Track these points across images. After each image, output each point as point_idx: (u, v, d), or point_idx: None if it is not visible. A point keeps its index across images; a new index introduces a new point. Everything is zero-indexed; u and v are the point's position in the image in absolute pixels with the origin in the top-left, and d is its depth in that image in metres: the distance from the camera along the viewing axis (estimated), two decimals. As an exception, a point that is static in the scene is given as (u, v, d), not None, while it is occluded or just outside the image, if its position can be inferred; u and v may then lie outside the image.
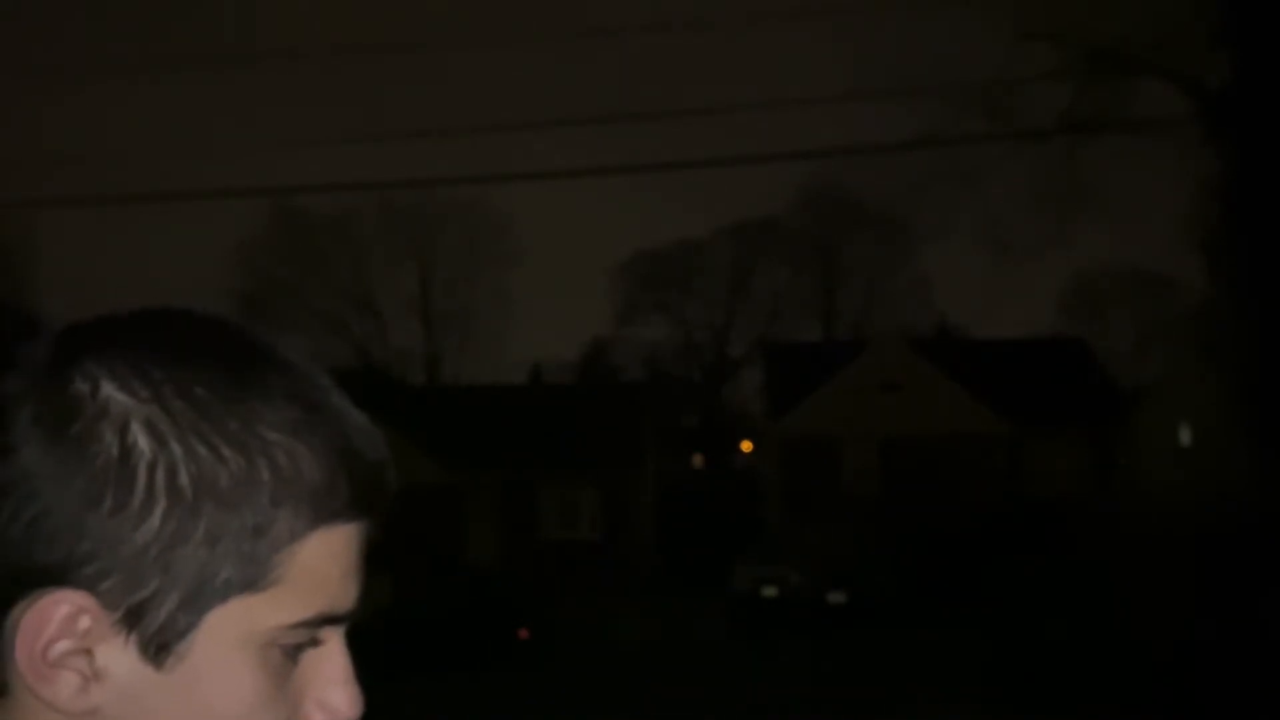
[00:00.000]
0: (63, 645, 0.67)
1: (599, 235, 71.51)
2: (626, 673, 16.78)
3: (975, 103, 20.03)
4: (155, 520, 0.67)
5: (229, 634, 0.68)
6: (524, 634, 18.56)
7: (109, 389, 0.67)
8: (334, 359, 48.25)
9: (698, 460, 47.65)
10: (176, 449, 0.67)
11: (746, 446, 46.19)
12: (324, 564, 0.70)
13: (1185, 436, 30.80)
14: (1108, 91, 19.77)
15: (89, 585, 0.66)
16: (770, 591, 22.64)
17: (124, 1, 69.42)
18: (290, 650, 0.71)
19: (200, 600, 0.68)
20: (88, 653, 0.67)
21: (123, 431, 0.67)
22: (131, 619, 0.67)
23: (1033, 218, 27.77)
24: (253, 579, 0.68)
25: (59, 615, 0.66)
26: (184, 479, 0.67)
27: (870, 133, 36.38)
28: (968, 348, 39.19)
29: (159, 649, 0.67)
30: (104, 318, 0.72)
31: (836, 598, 22.31)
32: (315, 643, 0.72)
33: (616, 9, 34.30)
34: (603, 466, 32.69)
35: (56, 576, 0.66)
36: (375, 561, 0.78)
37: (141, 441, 0.67)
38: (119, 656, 0.67)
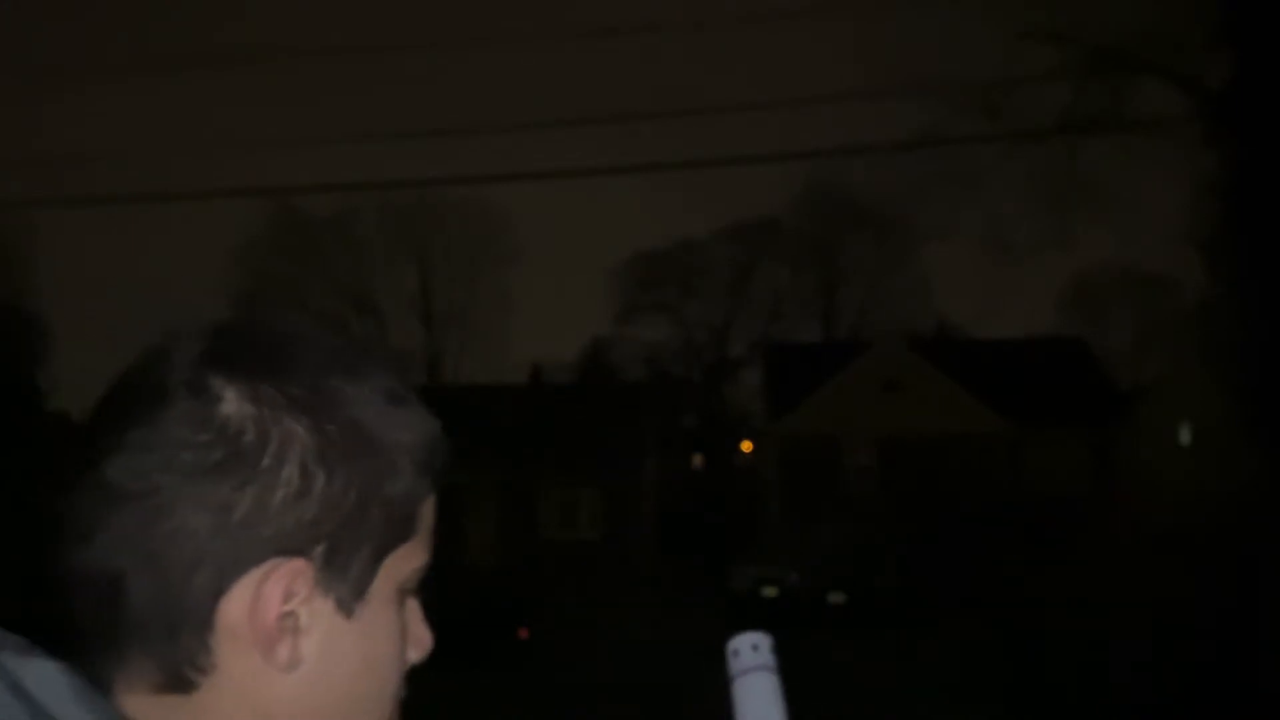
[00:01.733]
0: (287, 608, 0.76)
1: (599, 235, 71.53)
2: (626, 673, 16.79)
3: (975, 103, 20.02)
4: (359, 488, 0.77)
5: (390, 580, 0.80)
6: (524, 634, 18.55)
7: (316, 378, 0.78)
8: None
9: (698, 460, 47.63)
10: (374, 425, 0.78)
11: (746, 446, 46.18)
12: (433, 519, 0.84)
13: (1185, 436, 30.82)
14: (1108, 91, 19.76)
15: (305, 552, 0.76)
16: (770, 591, 22.64)
17: (124, 1, 69.42)
18: (409, 594, 0.84)
19: (381, 552, 0.79)
20: (295, 613, 0.77)
21: (333, 412, 0.78)
22: (333, 577, 0.77)
23: (1033, 218, 27.73)
24: (410, 530, 0.81)
25: (287, 582, 0.76)
26: (382, 449, 0.79)
27: (870, 133, 36.32)
28: (968, 348, 39.19)
29: (350, 600, 0.78)
30: (254, 325, 0.82)
31: (836, 598, 22.31)
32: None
33: (616, 9, 34.29)
34: (603, 466, 32.69)
35: (280, 547, 0.76)
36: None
37: (363, 417, 0.78)
38: (319, 611, 0.77)
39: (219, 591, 0.75)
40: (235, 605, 0.75)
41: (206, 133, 58.95)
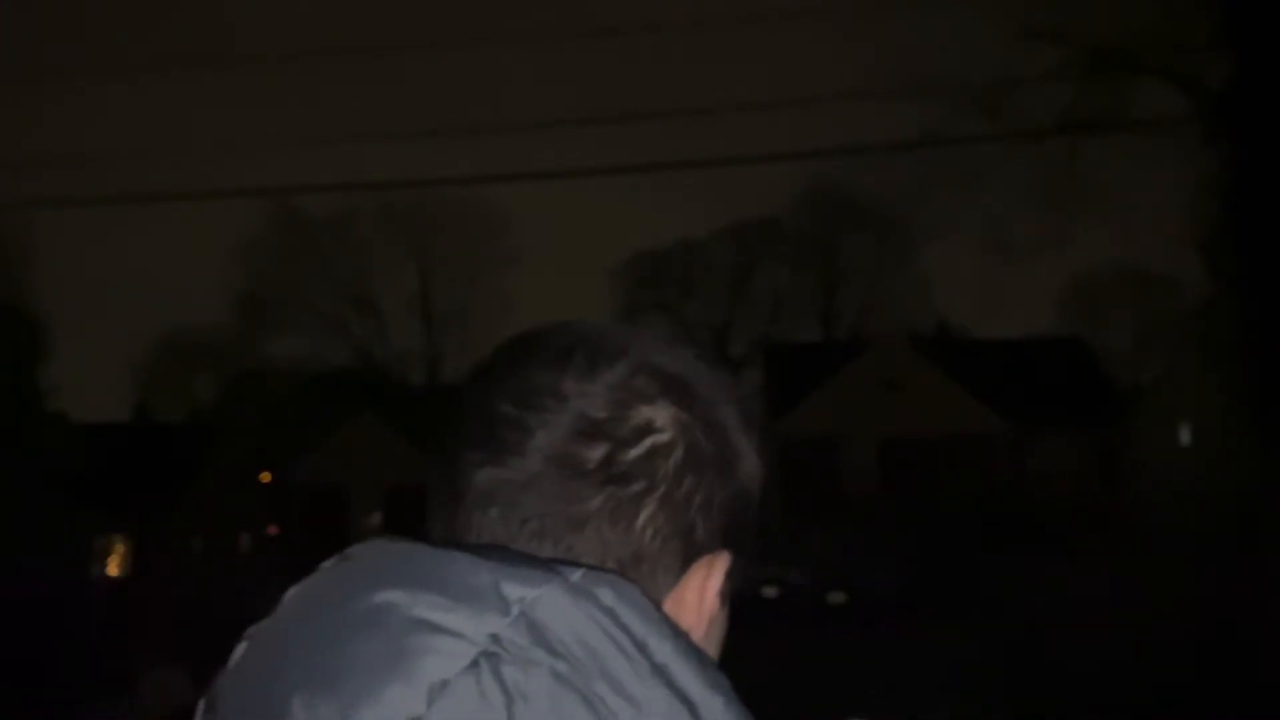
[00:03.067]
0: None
1: (599, 235, 71.57)
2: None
3: (975, 103, 20.02)
4: (753, 501, 0.88)
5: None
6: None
7: (739, 402, 0.88)
8: (334, 359, 48.25)
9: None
10: (751, 452, 0.88)
11: (746, 446, 46.19)
12: None
13: (1185, 436, 30.81)
14: (1108, 91, 19.76)
15: (727, 547, 0.85)
16: (770, 591, 22.65)
17: (124, 2, 69.41)
18: None
19: (748, 562, 0.88)
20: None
21: (743, 434, 0.87)
22: (732, 574, 0.86)
23: (1033, 218, 27.77)
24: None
25: (723, 570, 0.85)
26: (757, 476, 0.88)
27: (870, 133, 36.37)
28: (968, 348, 39.19)
29: (727, 594, 0.87)
30: (674, 352, 0.88)
31: (836, 598, 22.32)
32: None
33: (617, 9, 34.32)
34: (603, 466, 32.69)
35: (720, 540, 0.85)
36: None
37: (745, 446, 0.87)
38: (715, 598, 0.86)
39: (681, 568, 0.83)
40: (688, 583, 0.83)
41: (207, 133, 58.96)
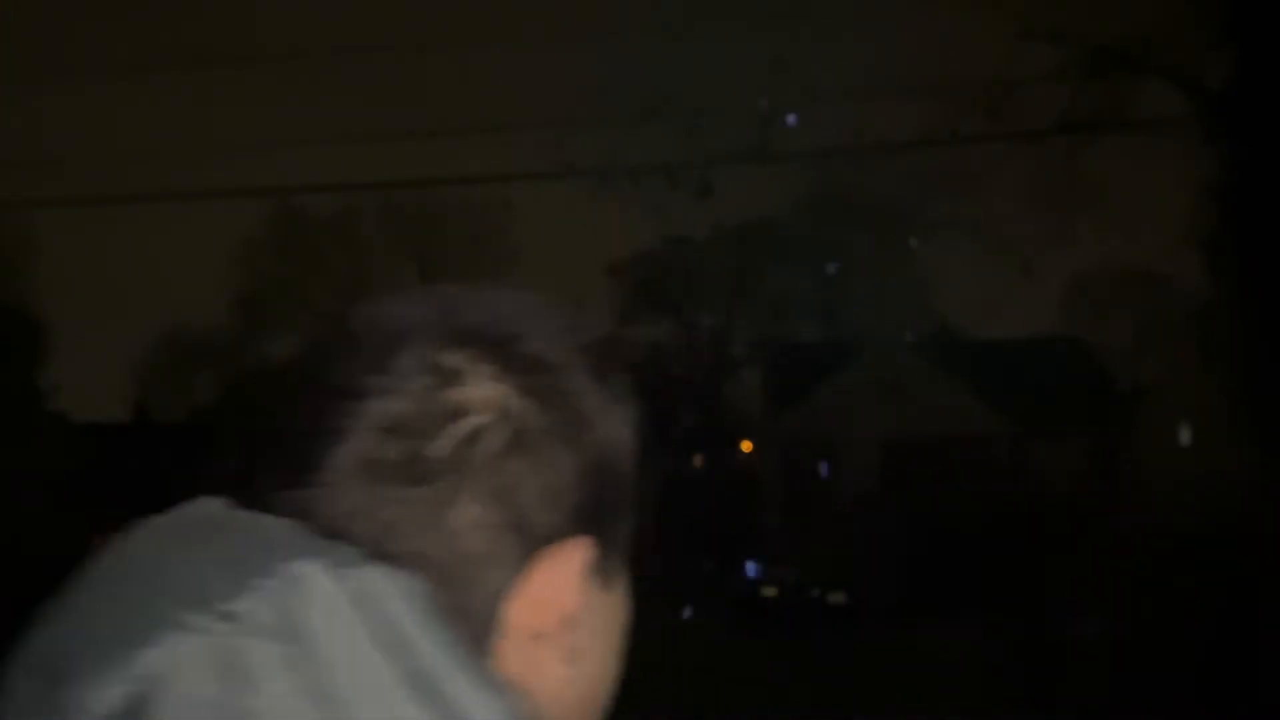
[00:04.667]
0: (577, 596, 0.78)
1: (599, 235, 71.53)
2: (627, 673, 16.78)
3: (975, 103, 20.00)
4: (623, 477, 0.77)
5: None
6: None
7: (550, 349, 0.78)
8: (334, 359, 48.19)
9: (698, 460, 47.61)
10: (619, 421, 0.78)
11: (747, 446, 46.18)
12: None
13: (1185, 436, 30.82)
14: (1108, 91, 19.74)
15: (593, 532, 0.74)
16: (770, 591, 22.65)
17: (124, 1, 69.43)
18: None
19: (630, 540, 0.79)
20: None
21: (599, 397, 0.77)
22: (606, 557, 0.75)
23: (1033, 218, 27.74)
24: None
25: (585, 557, 0.74)
26: (623, 440, 0.77)
27: (870, 133, 36.28)
28: (968, 348, 39.19)
29: (610, 579, 0.76)
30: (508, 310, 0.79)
31: (836, 598, 22.31)
32: None
33: (616, 9, 34.32)
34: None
35: (577, 527, 0.74)
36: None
37: (597, 409, 0.77)
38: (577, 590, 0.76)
39: (519, 562, 0.71)
40: (536, 579, 0.72)
41: (206, 133, 58.91)
